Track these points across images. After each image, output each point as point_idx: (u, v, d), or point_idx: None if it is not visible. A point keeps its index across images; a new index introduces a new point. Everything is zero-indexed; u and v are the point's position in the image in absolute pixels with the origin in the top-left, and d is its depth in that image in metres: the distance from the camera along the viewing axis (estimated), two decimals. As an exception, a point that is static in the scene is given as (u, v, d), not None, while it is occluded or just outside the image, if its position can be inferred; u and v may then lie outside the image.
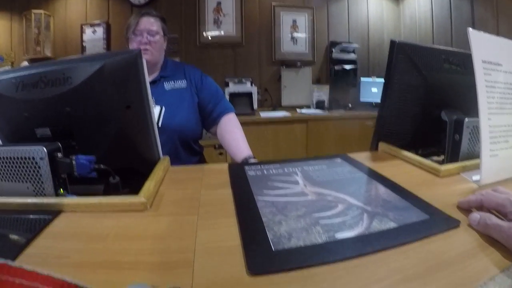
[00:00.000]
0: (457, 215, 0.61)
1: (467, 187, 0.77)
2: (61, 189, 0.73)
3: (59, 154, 0.72)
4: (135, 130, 0.87)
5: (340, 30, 4.39)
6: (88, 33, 3.95)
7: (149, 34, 1.55)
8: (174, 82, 1.59)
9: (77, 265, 0.47)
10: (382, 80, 3.85)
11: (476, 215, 0.57)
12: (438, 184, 0.80)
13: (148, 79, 0.85)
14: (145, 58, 0.83)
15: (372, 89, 4.24)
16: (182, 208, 0.68)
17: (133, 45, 1.55)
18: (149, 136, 0.89)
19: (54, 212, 0.64)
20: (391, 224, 0.58)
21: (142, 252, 0.51)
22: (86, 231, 0.58)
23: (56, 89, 0.79)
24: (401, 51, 0.99)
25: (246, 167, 0.91)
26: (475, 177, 0.80)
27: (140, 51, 0.82)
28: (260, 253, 0.49)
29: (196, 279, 0.44)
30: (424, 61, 1.01)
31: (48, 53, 3.89)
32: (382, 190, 0.74)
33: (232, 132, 1.56)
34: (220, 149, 3.33)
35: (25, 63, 3.56)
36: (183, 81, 1.60)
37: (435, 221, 0.58)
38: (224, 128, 1.58)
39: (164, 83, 1.57)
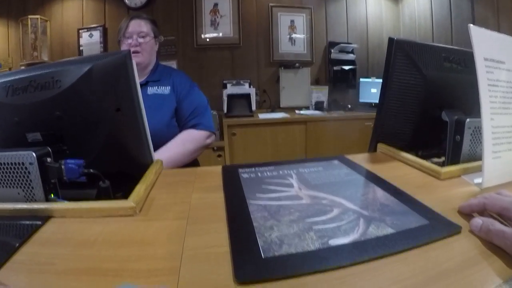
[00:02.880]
0: (458, 220, 0.58)
1: (468, 190, 0.74)
2: (52, 194, 0.71)
3: (49, 159, 0.70)
4: (126, 133, 0.85)
5: (339, 30, 4.35)
6: (85, 37, 3.92)
7: (139, 36, 1.55)
8: (158, 87, 1.57)
9: (61, 272, 0.46)
10: (381, 80, 3.85)
11: (478, 220, 0.53)
12: (438, 187, 0.78)
13: (138, 80, 0.83)
14: (135, 61, 0.81)
15: (371, 89, 4.20)
16: (171, 212, 0.66)
17: (124, 48, 1.54)
18: (141, 139, 0.87)
19: (44, 218, 0.62)
20: (389, 230, 0.55)
21: (128, 259, 0.49)
22: (74, 237, 0.56)
23: (45, 93, 0.78)
24: (400, 49, 0.97)
25: (240, 170, 0.88)
26: (477, 180, 0.77)
27: (130, 52, 0.81)
28: (248, 261, 0.46)
29: (181, 287, 0.42)
30: (423, 59, 0.99)
31: (45, 57, 3.86)
32: (380, 193, 0.72)
33: (174, 140, 1.50)
34: (219, 151, 3.31)
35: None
36: (167, 87, 1.58)
37: (435, 227, 0.56)
38: (177, 136, 1.53)
39: (148, 88, 1.56)
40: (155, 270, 0.46)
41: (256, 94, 3.91)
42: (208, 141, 1.64)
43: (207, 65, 4.01)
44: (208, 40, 4.02)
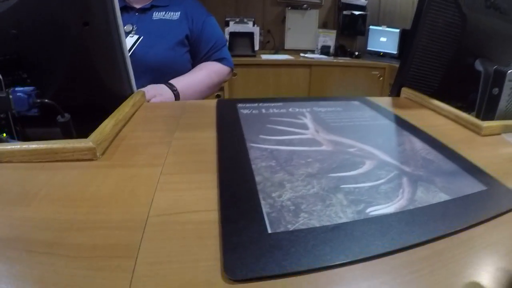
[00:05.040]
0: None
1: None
2: (4, 134, 0.60)
3: (-4, 88, 0.57)
4: (97, 56, 0.71)
5: (352, -28, 4.13)
6: None
7: None
8: (165, 12, 1.40)
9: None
10: (392, 29, 3.70)
11: None
12: (480, 144, 0.65)
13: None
14: None
15: (380, 38, 4.08)
16: (143, 156, 0.50)
17: None
18: (116, 62, 0.73)
19: None
20: (442, 196, 0.40)
21: (71, 226, 0.33)
22: (12, 189, 0.41)
23: None
24: None
25: (239, 105, 0.71)
26: None
27: None
28: (247, 239, 0.29)
29: (135, 283, 0.26)
30: None
31: None
32: (418, 145, 0.56)
33: (199, 69, 1.40)
34: (218, 91, 3.17)
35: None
36: (176, 13, 1.41)
37: (495, 195, 0.41)
38: (201, 65, 1.43)
39: (154, 13, 1.39)
40: (102, 248, 0.30)
41: (260, 33, 3.77)
42: (228, 77, 1.57)
43: (210, 1, 3.79)
44: (211, -28, 3.78)
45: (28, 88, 0.59)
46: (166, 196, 0.38)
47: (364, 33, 4.08)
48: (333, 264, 0.27)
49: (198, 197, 0.38)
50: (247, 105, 0.72)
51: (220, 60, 1.46)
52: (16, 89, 0.58)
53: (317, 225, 0.32)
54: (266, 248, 0.28)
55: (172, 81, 1.22)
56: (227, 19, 3.60)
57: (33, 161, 0.48)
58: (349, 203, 0.36)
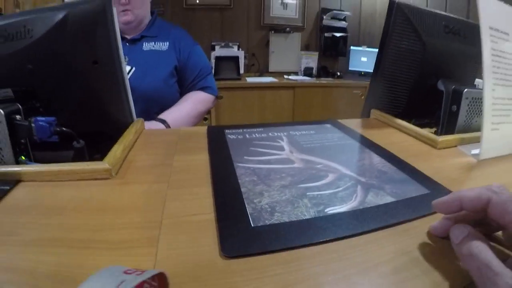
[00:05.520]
0: (457, 190, 0.54)
1: (465, 161, 0.71)
2: (23, 157, 0.65)
3: (18, 117, 0.64)
4: (104, 89, 0.79)
5: (332, -4, 4.26)
6: None
7: None
8: (154, 43, 1.47)
9: (26, 243, 0.40)
10: (372, 49, 3.81)
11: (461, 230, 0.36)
12: (435, 156, 0.75)
13: (118, 30, 0.76)
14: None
15: (361, 58, 4.21)
16: (151, 175, 0.60)
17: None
18: (120, 95, 0.81)
19: (12, 182, 0.56)
20: (389, 198, 0.51)
21: (100, 228, 0.43)
22: (43, 203, 0.50)
23: (16, 44, 0.72)
24: (400, 12, 0.94)
25: (227, 131, 0.82)
26: (474, 151, 0.75)
27: None
28: (236, 231, 0.41)
29: (159, 262, 0.36)
30: (424, 25, 0.96)
31: None
32: (376, 159, 0.67)
33: (184, 101, 1.46)
34: (206, 114, 3.25)
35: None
36: (165, 43, 1.48)
37: (436, 197, 0.51)
38: (186, 95, 1.50)
39: (144, 43, 1.45)
40: (130, 241, 0.40)
41: (245, 57, 3.87)
42: (213, 105, 1.63)
43: (196, 26, 3.88)
44: (198, 0, 3.88)
45: (49, 118, 0.65)
46: (174, 205, 0.48)
47: (346, 53, 4.21)
48: (296, 245, 0.38)
49: (198, 204, 0.48)
50: (233, 131, 0.83)
51: (204, 88, 1.52)
52: (38, 118, 0.65)
53: (287, 220, 0.43)
54: (250, 236, 0.40)
55: (162, 116, 1.28)
56: (213, 43, 3.68)
57: (55, 180, 0.57)
58: (312, 205, 0.47)
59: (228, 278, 0.34)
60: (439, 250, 0.39)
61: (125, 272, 0.26)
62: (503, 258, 0.31)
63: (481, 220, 0.38)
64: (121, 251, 0.38)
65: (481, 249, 0.32)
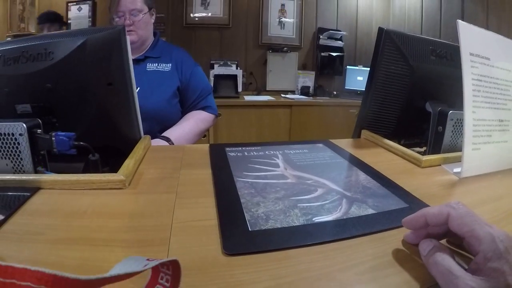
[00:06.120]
0: (435, 204, 0.60)
1: (447, 178, 0.77)
2: (41, 166, 0.71)
3: (39, 131, 0.70)
4: (116, 108, 0.85)
5: (329, 17, 4.34)
6: (73, 10, 3.79)
7: (132, 14, 1.48)
8: (158, 64, 1.53)
9: (52, 241, 0.46)
10: (367, 69, 3.85)
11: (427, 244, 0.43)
12: (418, 174, 0.80)
13: (131, 56, 0.83)
14: (130, 40, 0.81)
15: (357, 77, 4.25)
16: (160, 186, 0.67)
17: None
18: (130, 114, 0.87)
19: (32, 189, 0.62)
20: (370, 211, 0.57)
21: (119, 230, 0.50)
22: (64, 208, 0.56)
23: (37, 65, 0.78)
24: (389, 39, 0.99)
25: (227, 149, 0.90)
26: (456, 169, 0.79)
27: (124, 27, 0.80)
28: (236, 233, 0.48)
29: (171, 257, 0.43)
30: (411, 50, 1.01)
31: (32, 29, 3.73)
32: (362, 176, 0.74)
33: (187, 120, 1.52)
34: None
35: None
36: (168, 64, 1.54)
37: (413, 210, 0.58)
38: (188, 115, 1.56)
39: (148, 64, 1.52)
40: (146, 241, 0.47)
41: (243, 76, 3.93)
42: (213, 123, 1.68)
43: (195, 45, 3.97)
44: (197, 19, 3.97)
45: (69, 133, 0.72)
46: (182, 211, 0.55)
47: (342, 73, 4.25)
48: (287, 246, 0.46)
49: (203, 212, 0.55)
50: (233, 149, 0.90)
51: (205, 108, 1.58)
52: (59, 133, 0.71)
53: (280, 226, 0.50)
54: (247, 238, 0.47)
55: (165, 134, 1.33)
56: (212, 61, 3.74)
57: (73, 188, 0.63)
58: (302, 214, 0.54)
59: (229, 271, 0.40)
60: (411, 255, 0.46)
61: (147, 260, 0.33)
62: (467, 263, 0.38)
63: (449, 231, 0.44)
64: (139, 249, 0.45)
65: (444, 258, 0.39)
